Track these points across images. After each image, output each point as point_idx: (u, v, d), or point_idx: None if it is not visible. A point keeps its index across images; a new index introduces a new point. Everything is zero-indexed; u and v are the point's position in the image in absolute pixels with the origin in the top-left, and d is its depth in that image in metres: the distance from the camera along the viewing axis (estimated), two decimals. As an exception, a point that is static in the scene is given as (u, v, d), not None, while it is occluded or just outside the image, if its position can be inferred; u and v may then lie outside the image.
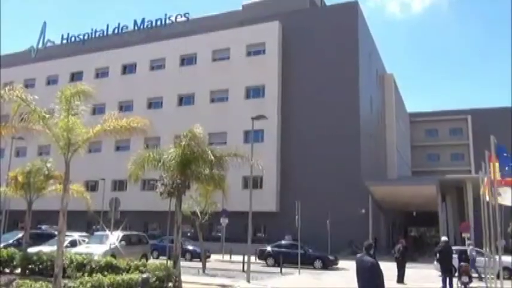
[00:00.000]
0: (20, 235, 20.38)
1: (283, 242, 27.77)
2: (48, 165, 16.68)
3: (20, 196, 17.17)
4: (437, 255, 17.79)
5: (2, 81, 28.65)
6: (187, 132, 14.33)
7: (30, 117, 10.46)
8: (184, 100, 44.16)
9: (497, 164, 13.13)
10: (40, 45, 53.85)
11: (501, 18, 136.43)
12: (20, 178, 16.67)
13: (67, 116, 10.27)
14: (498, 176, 13.13)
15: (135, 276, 11.38)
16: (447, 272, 17.08)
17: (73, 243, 20.58)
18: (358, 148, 37.72)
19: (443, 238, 19.44)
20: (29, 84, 48.98)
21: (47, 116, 10.43)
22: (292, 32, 41.42)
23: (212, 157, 14.14)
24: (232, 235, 33.11)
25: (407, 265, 19.49)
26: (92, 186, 41.73)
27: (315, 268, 24.62)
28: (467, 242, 21.83)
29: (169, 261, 15.67)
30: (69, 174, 10.71)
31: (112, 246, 19.09)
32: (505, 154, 13.03)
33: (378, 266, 6.81)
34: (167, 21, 47.49)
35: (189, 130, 14.40)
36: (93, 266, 13.47)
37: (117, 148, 43.82)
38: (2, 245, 17.99)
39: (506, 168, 13.00)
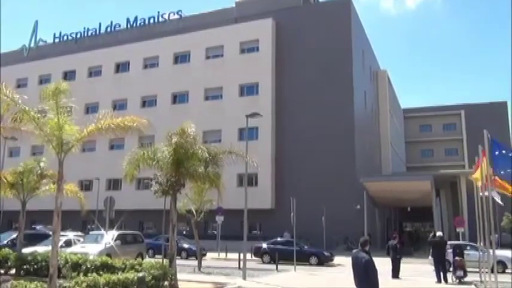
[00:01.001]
0: (15, 235, 20.25)
1: (278, 239, 27.81)
2: (42, 164, 16.55)
3: (12, 196, 17.02)
4: (431, 248, 17.93)
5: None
6: (178, 130, 14.29)
7: (22, 117, 10.36)
8: (179, 98, 44.05)
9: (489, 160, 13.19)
10: (32, 44, 53.48)
11: (495, 13, 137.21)
12: (8, 178, 16.51)
13: (56, 115, 10.18)
14: (491, 172, 13.18)
15: (131, 275, 11.33)
16: (440, 266, 17.18)
17: (68, 243, 20.48)
18: (353, 144, 37.84)
19: (439, 233, 19.58)
20: (21, 84, 48.78)
21: (37, 116, 10.34)
22: (286, 29, 41.41)
23: (207, 155, 14.11)
24: (228, 233, 33.14)
25: (402, 260, 19.56)
26: (86, 186, 41.59)
27: (310, 264, 24.67)
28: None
29: (165, 260, 15.66)
30: (63, 174, 10.64)
31: (107, 245, 19.00)
32: (497, 153, 13.05)
33: (372, 262, 6.82)
34: (160, 19, 47.34)
35: (180, 128, 14.35)
36: (89, 265, 13.40)
37: (111, 147, 43.67)
38: (-4, 246, 17.87)
39: (502, 172, 13.00)
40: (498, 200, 13.94)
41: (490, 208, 13.54)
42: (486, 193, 13.77)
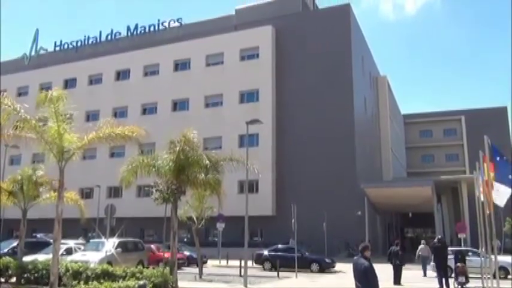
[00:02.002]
0: (15, 244, 20.20)
1: (279, 245, 27.70)
2: (40, 172, 16.55)
3: (11, 204, 17.00)
4: (433, 251, 18.00)
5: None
6: (181, 137, 14.30)
7: (23, 126, 10.41)
8: (179, 105, 44.14)
9: (491, 166, 13.13)
10: (33, 53, 53.70)
11: (495, 19, 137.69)
12: (4, 186, 16.50)
13: (56, 123, 10.23)
14: (492, 178, 13.12)
15: (132, 283, 11.30)
16: (442, 272, 17.10)
17: (69, 251, 20.45)
18: (353, 150, 37.83)
19: (438, 236, 19.60)
20: (22, 92, 49.01)
21: (38, 124, 10.39)
22: (286, 35, 41.57)
23: (208, 162, 14.13)
24: (229, 240, 33.06)
25: (404, 266, 19.48)
26: (87, 194, 41.56)
27: (312, 271, 24.55)
28: (421, 241, 23.00)
29: (166, 268, 15.61)
30: (64, 182, 10.66)
31: (108, 253, 18.98)
32: (498, 158, 13.03)
33: (372, 268, 6.78)
34: (160, 27, 47.55)
35: (183, 135, 14.36)
36: (89, 273, 13.38)
37: (112, 154, 43.67)
38: (-3, 254, 17.83)
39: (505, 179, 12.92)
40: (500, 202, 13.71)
41: (491, 214, 13.49)
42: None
